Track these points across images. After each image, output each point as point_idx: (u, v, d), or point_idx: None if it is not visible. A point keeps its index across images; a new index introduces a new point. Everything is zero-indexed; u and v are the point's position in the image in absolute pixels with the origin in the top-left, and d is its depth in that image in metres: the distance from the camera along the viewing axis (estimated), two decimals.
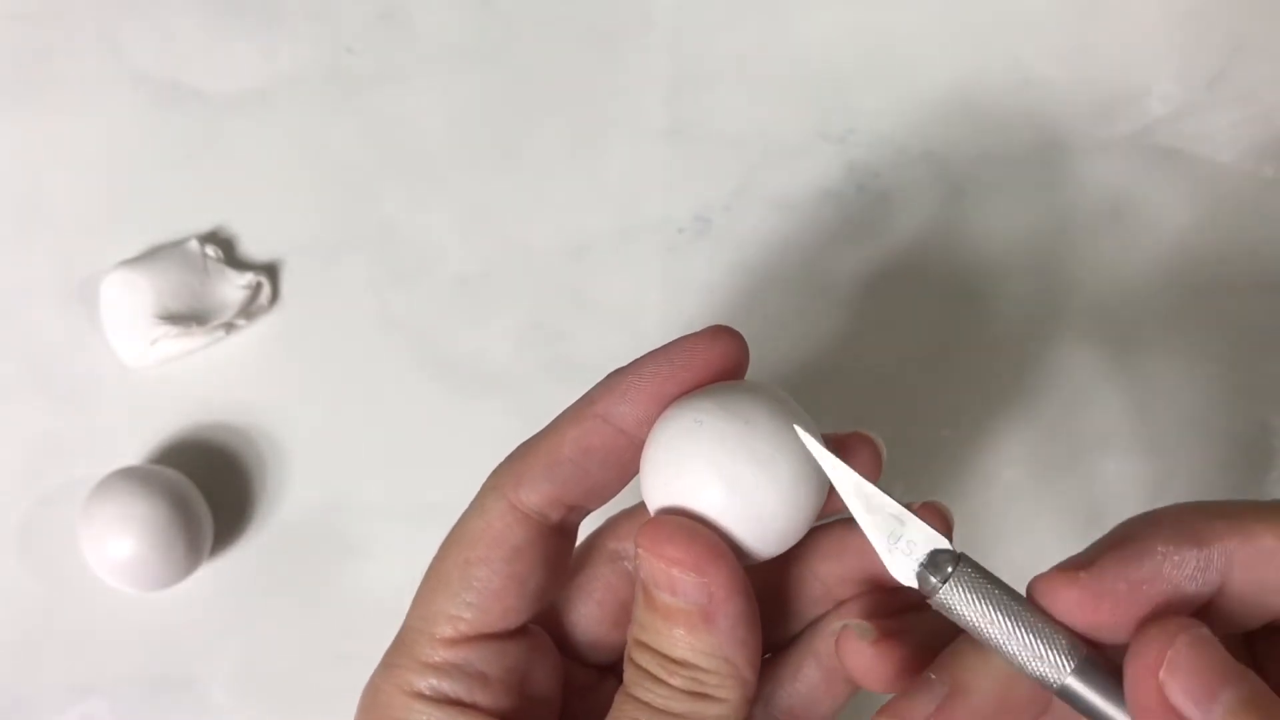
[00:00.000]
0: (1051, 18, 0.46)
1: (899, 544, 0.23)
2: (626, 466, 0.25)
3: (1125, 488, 0.43)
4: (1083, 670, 0.22)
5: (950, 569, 0.23)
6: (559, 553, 0.26)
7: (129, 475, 0.39)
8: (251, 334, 0.43)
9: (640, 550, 0.24)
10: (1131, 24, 0.46)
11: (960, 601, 0.23)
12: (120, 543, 0.38)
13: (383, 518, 0.42)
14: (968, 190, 0.45)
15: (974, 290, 0.45)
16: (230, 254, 0.43)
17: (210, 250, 0.43)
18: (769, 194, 0.45)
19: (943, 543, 0.23)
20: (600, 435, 0.25)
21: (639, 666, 0.24)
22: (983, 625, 0.23)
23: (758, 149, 0.45)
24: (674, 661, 0.23)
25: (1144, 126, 0.46)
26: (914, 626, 0.26)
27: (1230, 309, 0.45)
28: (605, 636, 0.28)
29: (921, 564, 0.23)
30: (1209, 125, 0.46)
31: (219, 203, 0.44)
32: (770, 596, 0.27)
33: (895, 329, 0.44)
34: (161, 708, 0.41)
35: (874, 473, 0.27)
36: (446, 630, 0.25)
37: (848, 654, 0.25)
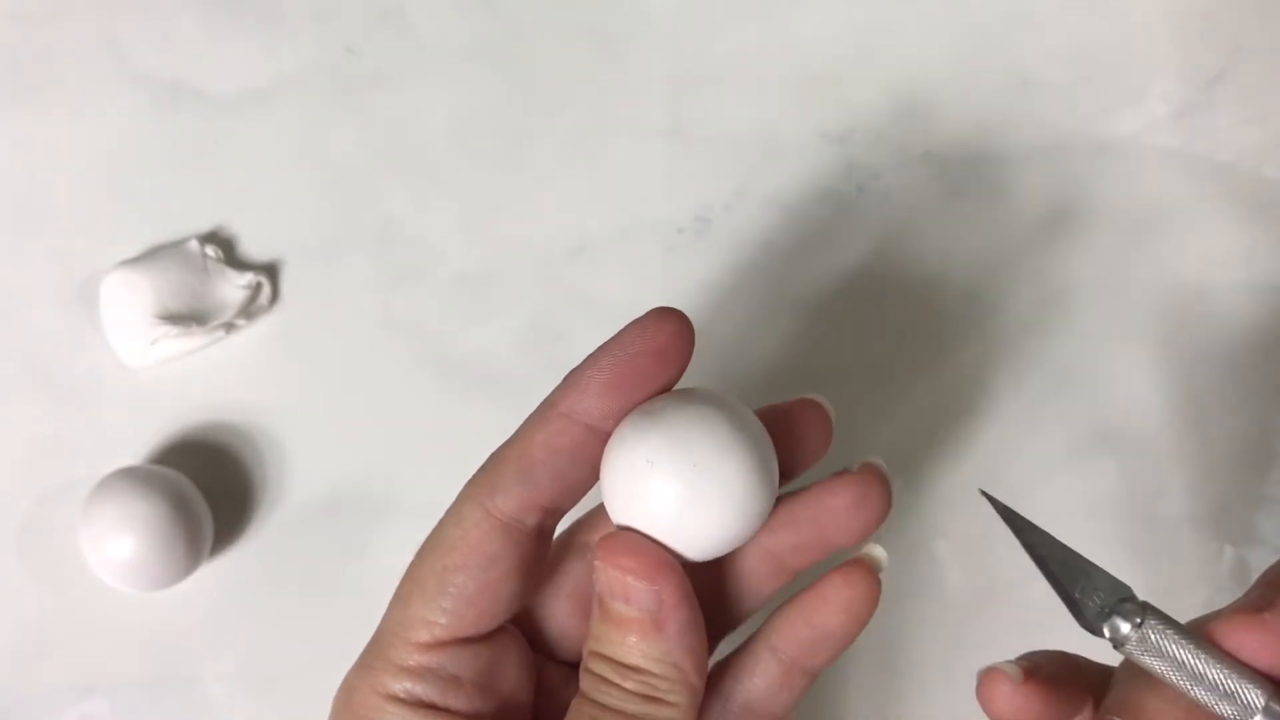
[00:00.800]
0: (1051, 18, 0.46)
1: (1086, 596, 0.24)
2: (597, 461, 0.26)
3: (1125, 488, 0.43)
4: (1270, 709, 0.23)
5: (1139, 619, 0.24)
6: (535, 557, 0.27)
7: (129, 475, 0.39)
8: (251, 334, 0.43)
9: (597, 562, 0.25)
10: (1132, 24, 0.46)
11: (1151, 649, 0.24)
12: (120, 543, 0.38)
13: (383, 517, 0.42)
14: (967, 190, 0.45)
15: (974, 289, 0.45)
16: (230, 254, 0.43)
17: (210, 250, 0.43)
18: (769, 194, 0.45)
19: (1127, 591, 0.24)
20: (568, 434, 0.26)
21: (594, 674, 0.25)
22: (1173, 670, 0.23)
23: (758, 149, 0.45)
24: (627, 667, 0.25)
25: (1144, 126, 0.46)
26: (1043, 661, 0.27)
27: (1230, 309, 0.45)
28: (576, 630, 0.29)
29: (1109, 613, 0.24)
30: (1209, 125, 0.46)
31: (219, 203, 0.44)
32: (720, 578, 0.28)
33: (894, 328, 0.44)
34: (161, 708, 0.41)
35: (824, 436, 0.28)
36: (422, 635, 0.26)
37: (995, 697, 0.25)
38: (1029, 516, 0.43)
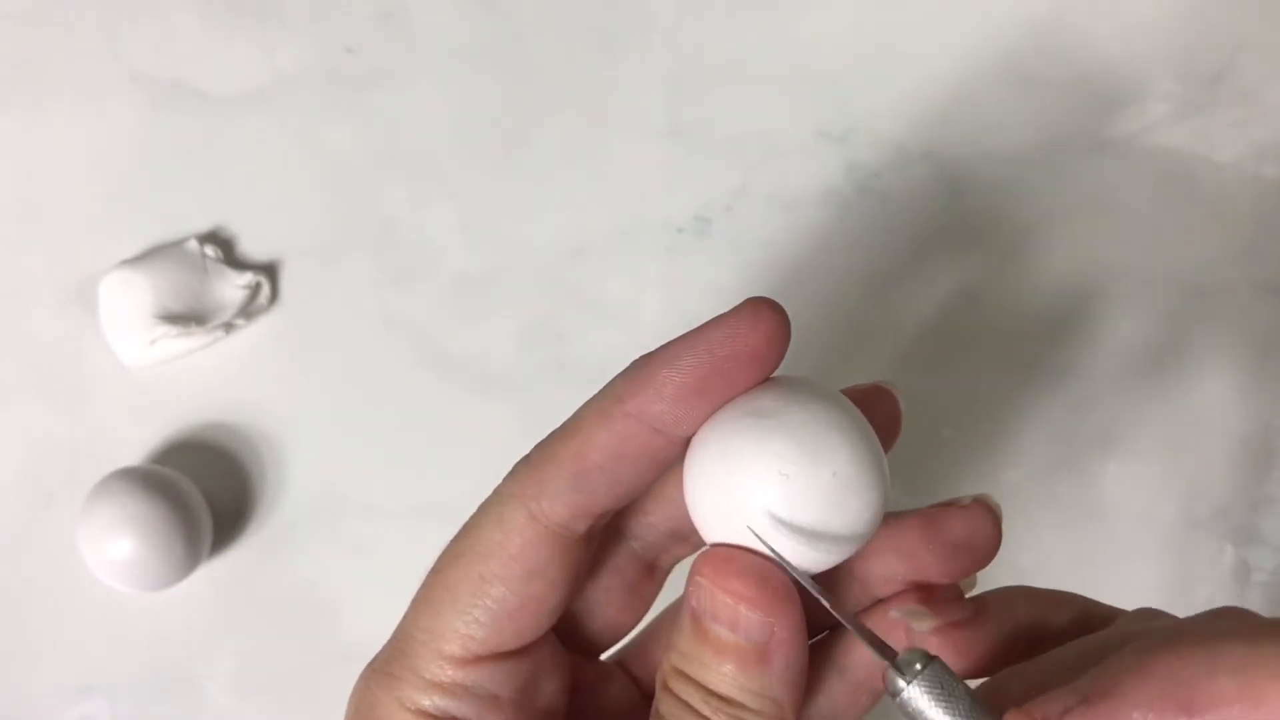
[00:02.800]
0: (1051, 17, 0.46)
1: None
2: (663, 465, 0.23)
3: (1126, 488, 0.43)
4: None
5: (920, 666, 0.22)
6: (582, 563, 0.24)
7: (129, 475, 0.39)
8: (251, 334, 0.43)
9: (702, 580, 0.22)
10: (1132, 24, 0.46)
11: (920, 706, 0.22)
12: (119, 543, 0.38)
13: (382, 517, 0.42)
14: (968, 190, 0.45)
15: (974, 290, 0.45)
16: (230, 254, 0.43)
17: (209, 250, 0.43)
18: (769, 194, 0.45)
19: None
20: (635, 439, 0.22)
21: (678, 698, 0.22)
22: None
23: (758, 149, 0.45)
24: (718, 697, 0.22)
25: (1144, 126, 0.46)
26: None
27: (1230, 309, 0.45)
28: (611, 622, 0.26)
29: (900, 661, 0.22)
30: (1209, 125, 0.46)
31: (219, 203, 0.44)
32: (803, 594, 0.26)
33: (895, 329, 0.44)
34: (161, 708, 0.41)
35: (893, 425, 0.25)
36: (455, 649, 0.23)
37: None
38: (1029, 516, 0.43)
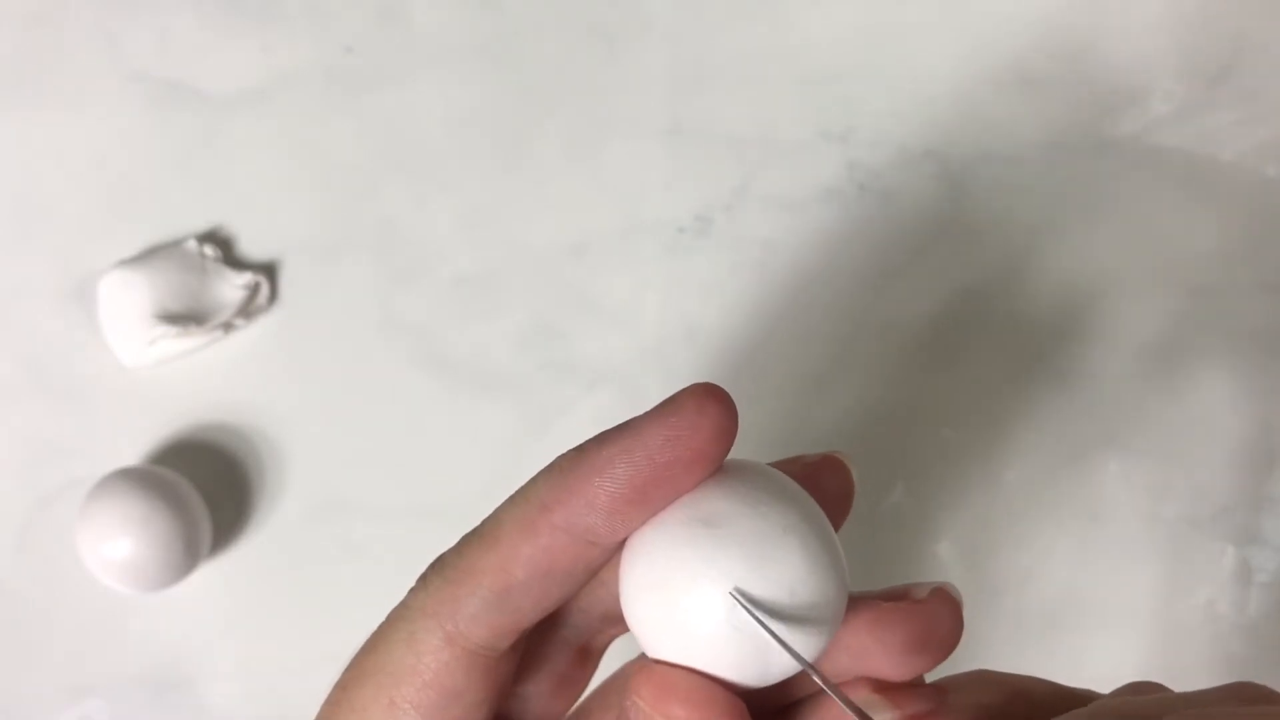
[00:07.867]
0: (1052, 17, 0.46)
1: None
2: (595, 572, 0.21)
3: (1126, 488, 0.43)
4: None
5: None
6: (507, 676, 0.22)
7: (127, 475, 0.39)
8: (250, 334, 0.43)
9: (641, 703, 0.20)
10: (1133, 23, 0.46)
11: None
12: (118, 543, 0.38)
13: (382, 518, 0.42)
14: (969, 190, 0.45)
15: (975, 290, 0.45)
16: (229, 254, 0.43)
17: (209, 250, 0.43)
18: (769, 194, 0.45)
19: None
20: (565, 553, 0.20)
21: None
22: None
23: (758, 149, 0.45)
24: None
25: (1145, 126, 0.46)
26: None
27: (1231, 309, 0.45)
28: (542, 713, 0.24)
29: None
30: (1211, 124, 0.46)
31: (217, 202, 0.44)
32: None
33: (896, 328, 0.44)
34: (160, 708, 0.41)
35: (845, 500, 0.23)
36: None
37: None
38: (1029, 516, 0.43)
